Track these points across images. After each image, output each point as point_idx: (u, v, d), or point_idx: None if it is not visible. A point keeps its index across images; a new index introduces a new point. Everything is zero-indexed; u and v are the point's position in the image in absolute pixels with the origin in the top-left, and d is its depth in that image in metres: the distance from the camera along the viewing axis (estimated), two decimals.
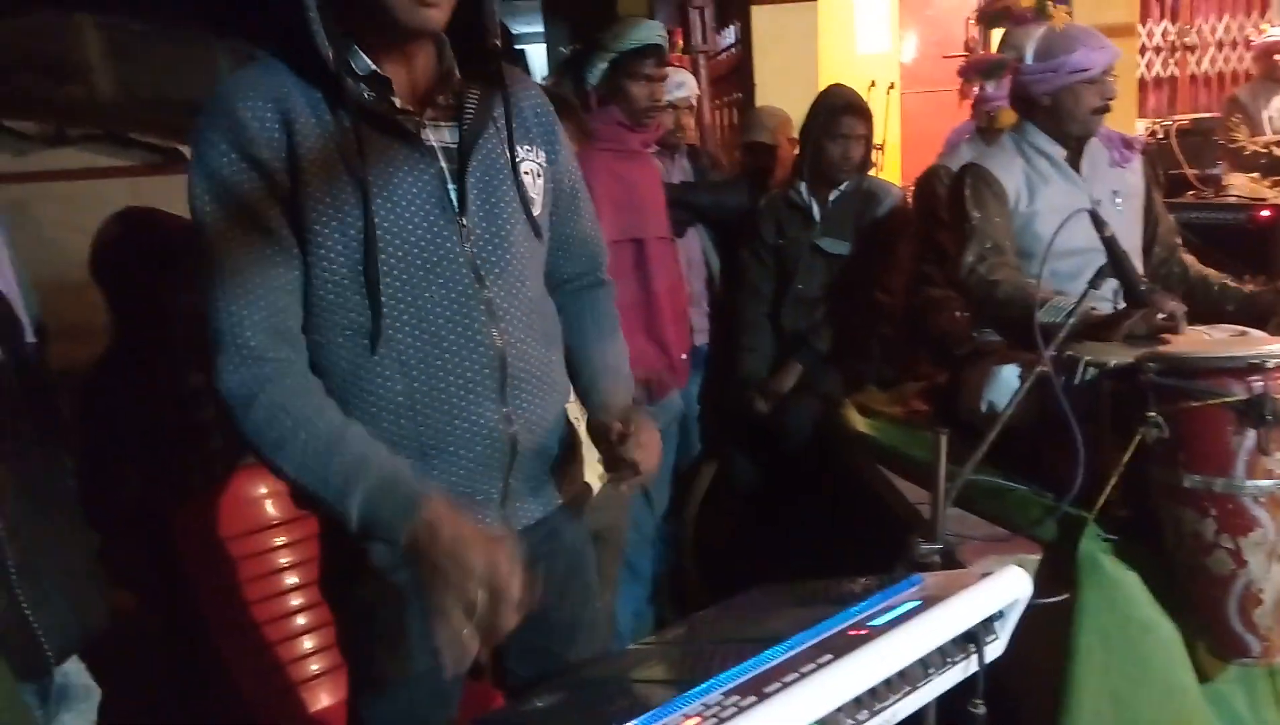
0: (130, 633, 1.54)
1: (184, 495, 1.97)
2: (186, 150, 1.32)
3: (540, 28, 9.87)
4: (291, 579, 1.99)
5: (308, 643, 1.99)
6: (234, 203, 1.14)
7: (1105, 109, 2.21)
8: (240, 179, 1.14)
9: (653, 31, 2.60)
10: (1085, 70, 2.16)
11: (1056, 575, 1.71)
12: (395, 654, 1.29)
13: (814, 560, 1.60)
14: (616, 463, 1.28)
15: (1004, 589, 0.98)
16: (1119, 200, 2.28)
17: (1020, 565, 1.04)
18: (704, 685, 0.85)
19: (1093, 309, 1.93)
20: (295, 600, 1.99)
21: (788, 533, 2.84)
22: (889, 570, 1.40)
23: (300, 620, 1.99)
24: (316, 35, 1.13)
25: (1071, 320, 1.73)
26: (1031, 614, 1.05)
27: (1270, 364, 1.54)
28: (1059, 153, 2.25)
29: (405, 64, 1.21)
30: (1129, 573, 1.67)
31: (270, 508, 1.96)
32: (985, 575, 0.99)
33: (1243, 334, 1.92)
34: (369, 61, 1.18)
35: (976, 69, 3.37)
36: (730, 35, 5.27)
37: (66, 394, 1.91)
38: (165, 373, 2.08)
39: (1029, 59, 2.25)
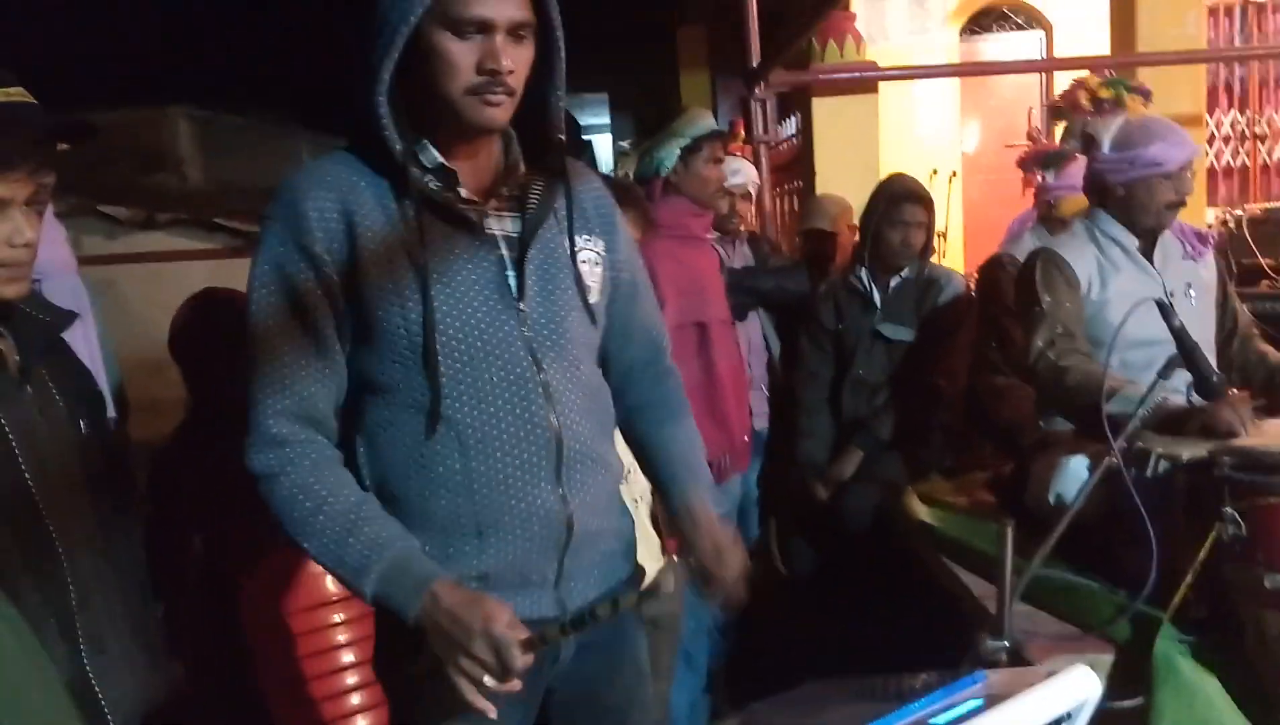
0: (188, 701, 1.55)
1: (247, 564, 2.00)
2: None
3: (606, 120, 10.19)
4: (348, 656, 1.99)
5: (362, 722, 1.98)
6: (281, 292, 1.21)
7: (1180, 204, 2.19)
8: (291, 270, 1.21)
9: (713, 120, 2.78)
10: (1161, 165, 2.14)
11: (1130, 677, 1.63)
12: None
13: (872, 652, 1.56)
14: (705, 579, 1.35)
15: (1072, 689, 0.95)
16: (1192, 292, 2.24)
17: (1091, 666, 1.00)
18: None
19: (1165, 400, 1.88)
20: (351, 678, 1.99)
21: (845, 623, 2.77)
22: (952, 666, 1.36)
23: (355, 699, 1.99)
24: (385, 129, 1.19)
25: (1142, 411, 1.69)
26: (1104, 718, 1.01)
27: None
28: (1132, 242, 2.23)
29: (472, 157, 1.27)
30: (1207, 676, 1.59)
31: (330, 584, 1.98)
32: (1052, 674, 0.95)
33: None
34: (437, 154, 1.24)
35: (1035, 159, 3.37)
36: (791, 126, 5.37)
37: (142, 464, 1.97)
38: (233, 446, 2.13)
39: (1105, 148, 2.23)
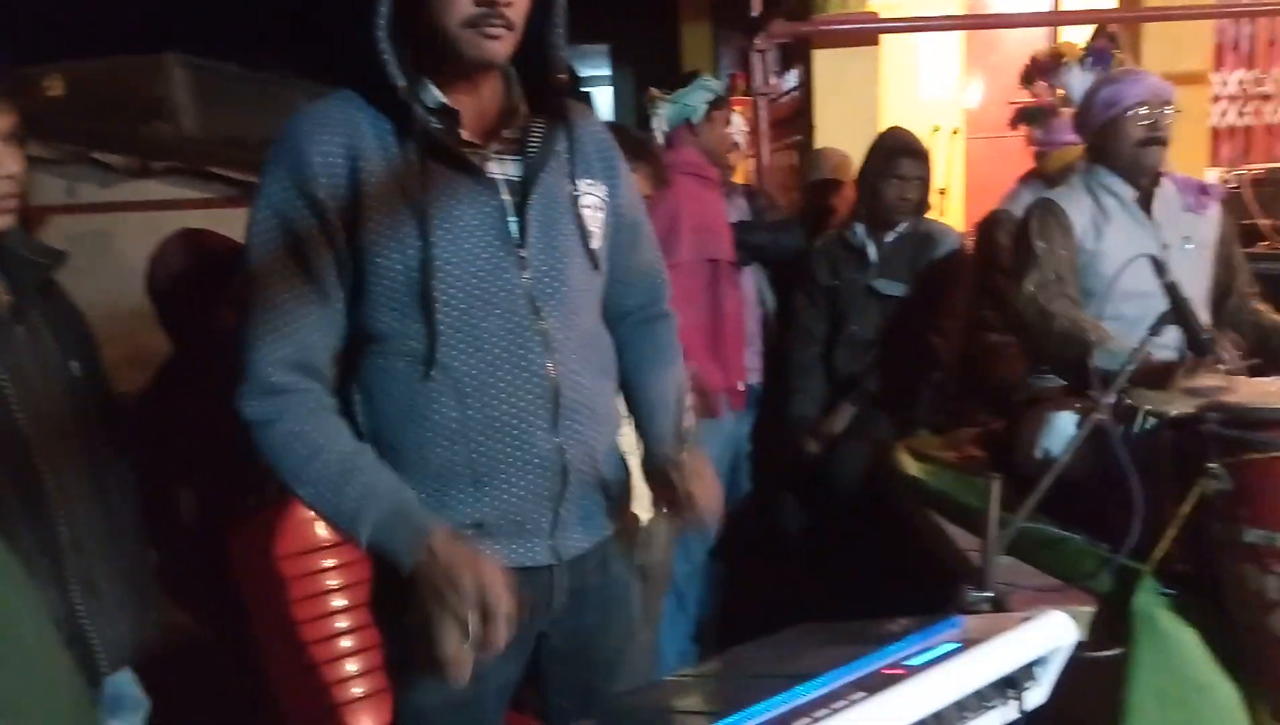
0: (182, 647, 1.58)
1: (238, 513, 2.01)
2: None
3: (607, 71, 10.05)
4: (340, 601, 2.01)
5: (352, 665, 2.01)
6: (282, 237, 1.19)
7: (1153, 140, 2.19)
8: (292, 215, 1.19)
9: (715, 85, 2.95)
10: (1116, 104, 2.19)
11: (1110, 629, 1.66)
12: (440, 680, 1.31)
13: (860, 605, 1.58)
14: (675, 502, 1.32)
15: (1047, 634, 0.97)
16: (1189, 246, 2.24)
17: (1072, 616, 1.01)
18: (735, 717, 0.85)
19: (1150, 355, 1.89)
20: (342, 622, 2.01)
21: (835, 577, 2.80)
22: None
23: (346, 643, 2.01)
24: (388, 66, 1.17)
25: (1131, 367, 1.70)
26: (1083, 669, 1.03)
27: None
28: (1128, 193, 2.23)
29: (473, 97, 1.25)
30: (1186, 630, 1.62)
31: (321, 529, 1.99)
32: (1027, 619, 0.97)
33: None
34: (438, 94, 1.22)
35: (1021, 115, 3.35)
36: (793, 79, 5.31)
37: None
38: (217, 391, 2.10)
39: (1074, 101, 2.29)
